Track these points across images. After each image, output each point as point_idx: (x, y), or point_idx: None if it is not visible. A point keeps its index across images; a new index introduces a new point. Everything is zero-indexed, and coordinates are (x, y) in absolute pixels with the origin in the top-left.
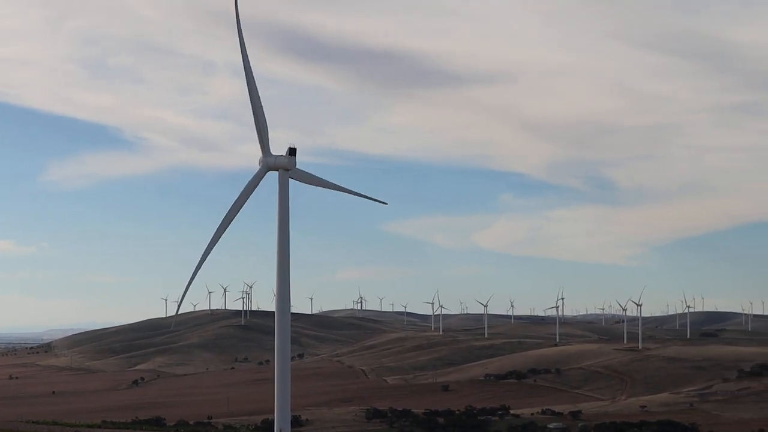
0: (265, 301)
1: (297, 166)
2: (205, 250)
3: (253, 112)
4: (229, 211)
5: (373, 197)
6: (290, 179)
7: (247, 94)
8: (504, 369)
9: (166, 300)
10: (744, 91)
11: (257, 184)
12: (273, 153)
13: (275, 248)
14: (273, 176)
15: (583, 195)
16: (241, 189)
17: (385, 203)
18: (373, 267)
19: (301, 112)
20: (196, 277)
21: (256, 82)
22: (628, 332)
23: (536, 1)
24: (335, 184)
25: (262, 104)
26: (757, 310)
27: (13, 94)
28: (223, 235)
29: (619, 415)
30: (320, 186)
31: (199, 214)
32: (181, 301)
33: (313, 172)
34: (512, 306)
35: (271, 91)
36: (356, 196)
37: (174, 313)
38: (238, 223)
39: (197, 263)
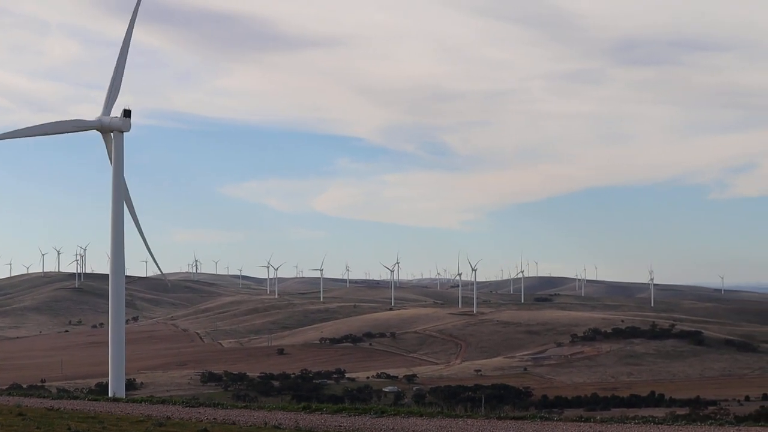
0: (99, 263)
1: (132, 128)
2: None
3: (115, 72)
4: (40, 126)
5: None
6: None
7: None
8: (339, 333)
9: None
10: (579, 59)
11: (80, 128)
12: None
13: (110, 210)
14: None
15: (418, 160)
16: (76, 149)
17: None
18: (208, 229)
19: (137, 74)
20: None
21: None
22: (462, 297)
23: None
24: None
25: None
26: (590, 276)
27: None
28: (59, 196)
29: (454, 379)
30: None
31: (31, 175)
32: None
33: (148, 135)
34: (348, 270)
35: (107, 52)
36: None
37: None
38: (71, 184)
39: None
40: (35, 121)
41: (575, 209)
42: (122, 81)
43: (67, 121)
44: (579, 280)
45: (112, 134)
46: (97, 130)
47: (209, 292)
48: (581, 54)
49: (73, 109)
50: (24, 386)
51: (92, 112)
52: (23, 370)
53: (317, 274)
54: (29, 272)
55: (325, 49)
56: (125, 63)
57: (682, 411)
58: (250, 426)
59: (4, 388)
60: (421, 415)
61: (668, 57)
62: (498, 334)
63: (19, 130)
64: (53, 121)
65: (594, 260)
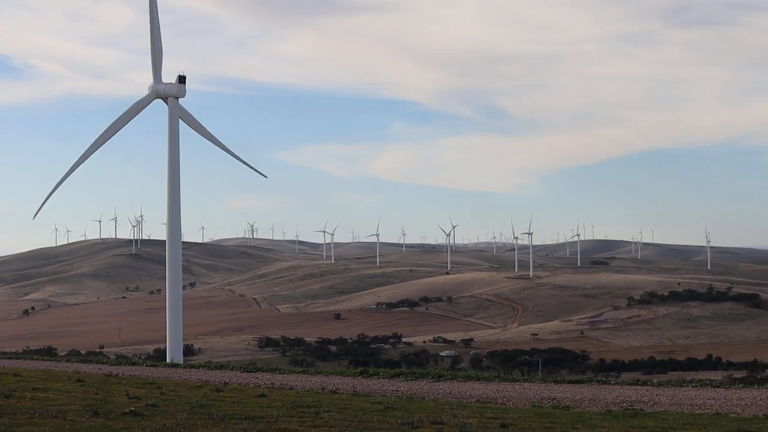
0: (156, 230)
1: (187, 95)
2: (75, 162)
3: (151, 37)
4: (107, 129)
5: (254, 168)
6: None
7: (148, 19)
8: (396, 297)
9: (56, 229)
10: (633, 21)
11: (141, 109)
12: (164, 81)
13: (166, 177)
14: (163, 105)
15: (474, 123)
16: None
17: (265, 176)
18: (264, 195)
19: (192, 40)
20: (56, 190)
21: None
22: (519, 260)
23: None
24: (218, 140)
25: (160, 30)
26: (647, 239)
27: None
28: (115, 163)
29: (511, 343)
30: (201, 134)
31: (88, 143)
32: (39, 209)
33: (203, 101)
34: (404, 234)
35: (162, 18)
36: (239, 161)
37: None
38: (129, 151)
39: (64, 174)
40: (91, 88)
41: (630, 172)
42: (162, 46)
43: (128, 109)
44: (635, 243)
45: (167, 100)
46: (150, 93)
47: (266, 257)
48: (635, 16)
49: (128, 75)
50: (82, 352)
51: (147, 77)
52: (82, 337)
53: (373, 239)
54: (87, 239)
55: (379, 13)
56: (159, 27)
57: (739, 374)
58: (308, 391)
59: (63, 354)
60: (478, 380)
61: (723, 18)
62: (554, 297)
63: (93, 144)
64: (116, 118)
65: (650, 223)
